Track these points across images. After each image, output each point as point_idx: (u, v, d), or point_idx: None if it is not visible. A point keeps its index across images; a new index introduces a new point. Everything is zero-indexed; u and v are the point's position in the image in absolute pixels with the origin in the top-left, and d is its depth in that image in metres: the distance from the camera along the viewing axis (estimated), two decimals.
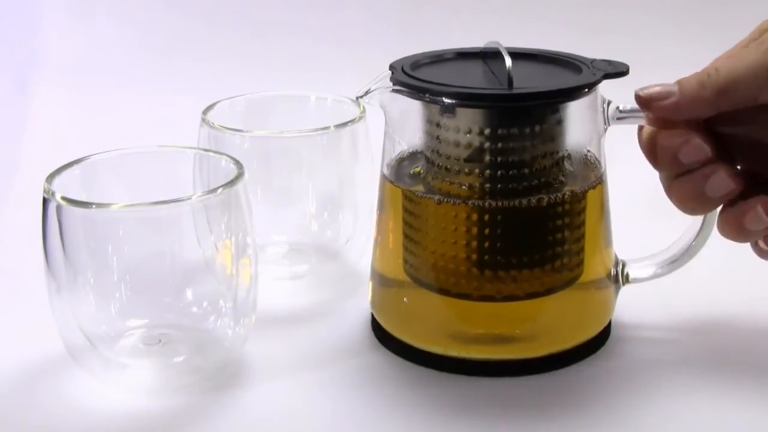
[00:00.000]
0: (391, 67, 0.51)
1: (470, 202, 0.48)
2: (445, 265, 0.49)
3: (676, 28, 0.92)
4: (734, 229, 0.48)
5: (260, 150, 0.57)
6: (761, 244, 0.49)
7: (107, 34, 0.93)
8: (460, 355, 0.50)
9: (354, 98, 0.51)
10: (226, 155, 0.51)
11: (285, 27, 0.95)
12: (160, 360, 0.50)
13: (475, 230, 0.48)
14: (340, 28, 0.95)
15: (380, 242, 0.54)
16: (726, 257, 0.56)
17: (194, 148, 0.54)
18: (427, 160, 0.50)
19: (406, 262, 0.51)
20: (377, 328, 0.54)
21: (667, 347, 0.53)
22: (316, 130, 0.56)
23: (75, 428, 0.47)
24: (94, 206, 0.46)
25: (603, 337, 0.53)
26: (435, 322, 0.51)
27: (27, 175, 0.75)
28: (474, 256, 0.49)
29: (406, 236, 0.51)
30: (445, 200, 0.48)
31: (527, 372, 0.50)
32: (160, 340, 0.51)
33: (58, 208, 0.47)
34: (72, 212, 0.47)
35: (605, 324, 0.53)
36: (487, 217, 0.48)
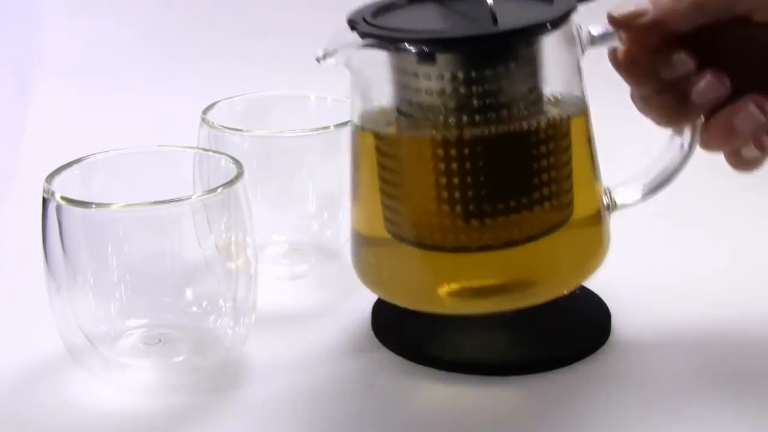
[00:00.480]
0: (351, 21, 0.48)
1: (452, 138, 0.46)
2: (430, 217, 0.47)
3: None
4: (722, 135, 0.47)
5: (260, 150, 0.57)
6: (745, 151, 0.48)
7: (107, 34, 0.93)
8: (456, 311, 0.49)
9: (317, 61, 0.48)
10: (226, 155, 0.51)
11: (285, 27, 0.95)
12: (160, 360, 0.50)
13: (456, 167, 0.46)
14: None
15: (358, 201, 0.51)
16: (726, 257, 0.56)
17: (194, 148, 0.54)
18: (400, 112, 0.48)
19: (387, 219, 0.49)
20: (377, 328, 0.54)
21: (667, 347, 0.53)
22: (316, 130, 0.56)
23: (75, 428, 0.47)
24: (93, 206, 0.46)
25: (603, 337, 0.53)
26: (427, 278, 0.49)
27: (27, 175, 0.75)
28: (459, 203, 0.46)
29: (384, 189, 0.49)
30: (427, 136, 0.46)
31: (527, 372, 0.50)
32: (160, 340, 0.51)
33: (58, 208, 0.47)
34: (72, 212, 0.47)
35: (603, 259, 0.51)
36: (467, 150, 0.46)
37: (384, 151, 0.48)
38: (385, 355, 0.52)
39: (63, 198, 0.46)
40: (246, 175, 0.49)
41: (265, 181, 0.58)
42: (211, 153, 0.53)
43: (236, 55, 0.93)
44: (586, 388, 0.49)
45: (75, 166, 0.50)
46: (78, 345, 0.49)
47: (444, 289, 0.50)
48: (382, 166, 0.49)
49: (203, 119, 0.58)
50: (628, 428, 0.47)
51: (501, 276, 0.49)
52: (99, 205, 0.46)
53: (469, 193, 0.46)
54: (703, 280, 0.58)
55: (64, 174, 0.49)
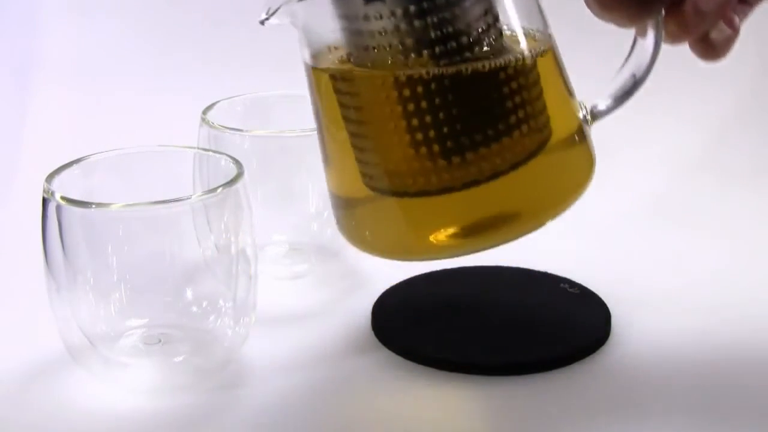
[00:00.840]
0: None
1: (417, 76, 0.44)
2: (410, 163, 0.46)
3: None
4: (689, 20, 0.46)
5: (260, 150, 0.57)
6: (714, 33, 0.47)
7: (107, 34, 0.93)
8: (453, 254, 0.48)
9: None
10: (226, 155, 0.51)
11: (285, 27, 0.95)
12: (160, 360, 0.50)
13: (427, 105, 0.44)
14: None
15: (331, 163, 0.50)
16: (726, 258, 0.56)
17: (194, 148, 0.54)
18: (357, 61, 0.46)
19: (365, 175, 0.48)
20: (377, 328, 0.54)
21: (667, 347, 0.53)
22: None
23: (75, 428, 0.47)
24: (93, 206, 0.46)
25: (603, 337, 0.53)
26: (417, 227, 0.48)
27: (27, 175, 0.75)
28: (436, 141, 0.45)
29: (355, 144, 0.47)
30: (390, 78, 0.44)
31: (527, 372, 0.50)
32: (160, 340, 0.51)
33: (58, 207, 0.47)
34: (71, 212, 0.47)
35: (592, 175, 0.49)
36: (434, 85, 0.44)
37: (348, 104, 0.47)
38: (385, 355, 0.52)
39: (63, 198, 0.46)
40: (246, 175, 0.49)
41: (265, 181, 0.58)
42: (211, 153, 0.53)
43: (236, 55, 0.93)
44: (586, 388, 0.49)
45: (75, 166, 0.50)
46: (78, 345, 0.49)
47: (436, 235, 0.48)
48: (349, 121, 0.47)
49: (203, 119, 0.58)
50: (628, 428, 0.47)
51: (491, 210, 0.47)
52: (99, 205, 0.46)
53: (445, 130, 0.45)
54: (704, 281, 0.58)
55: (64, 174, 0.49)
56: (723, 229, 0.65)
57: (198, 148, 0.54)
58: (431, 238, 0.48)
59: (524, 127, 0.46)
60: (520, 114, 0.46)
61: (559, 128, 0.48)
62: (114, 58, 0.92)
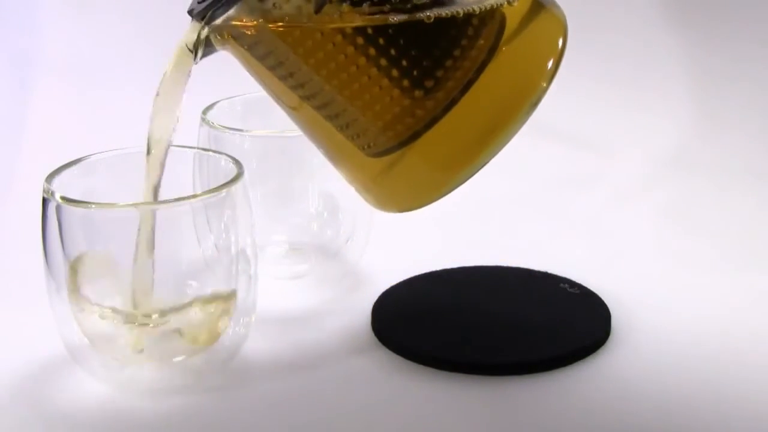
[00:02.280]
0: None
1: (368, 18, 0.44)
2: (392, 109, 0.45)
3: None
4: None
5: (260, 150, 0.57)
6: None
7: (107, 33, 0.93)
8: (466, 178, 0.47)
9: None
10: (226, 155, 0.51)
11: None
12: (160, 360, 0.50)
13: (386, 43, 0.44)
14: None
15: (330, 157, 0.50)
16: (726, 257, 0.56)
17: (194, 148, 0.54)
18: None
19: (362, 147, 0.47)
20: (377, 328, 0.54)
21: (667, 347, 0.53)
22: None
23: (75, 428, 0.47)
24: (93, 206, 0.46)
25: (603, 337, 0.53)
26: (426, 169, 0.47)
27: (27, 175, 0.75)
28: (406, 77, 0.44)
29: (332, 115, 0.47)
30: (349, 31, 0.44)
31: (527, 372, 0.50)
32: None
33: (58, 207, 0.47)
34: (72, 212, 0.47)
35: (566, 33, 0.48)
36: (391, 29, 0.44)
37: (311, 77, 0.46)
38: (385, 355, 0.52)
39: (63, 198, 0.46)
40: (246, 175, 0.49)
41: (265, 181, 0.58)
42: (211, 153, 0.53)
43: None
44: (586, 388, 0.49)
45: (75, 166, 0.50)
46: (78, 345, 0.49)
47: (445, 169, 0.47)
48: (313, 96, 0.47)
49: (203, 119, 0.58)
50: (628, 428, 0.47)
51: (487, 114, 0.47)
52: (99, 205, 0.46)
53: (407, 63, 0.45)
54: (704, 281, 0.58)
55: (64, 174, 0.49)
56: (723, 229, 0.65)
57: (198, 148, 0.54)
58: (443, 175, 0.47)
59: (475, 22, 0.45)
60: (474, 22, 0.45)
61: (513, 13, 0.46)
62: (114, 57, 0.92)
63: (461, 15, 0.45)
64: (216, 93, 0.62)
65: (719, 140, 0.75)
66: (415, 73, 0.45)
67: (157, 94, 0.48)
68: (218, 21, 0.47)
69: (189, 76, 0.48)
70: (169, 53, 0.48)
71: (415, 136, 0.46)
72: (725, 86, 0.78)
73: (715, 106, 0.78)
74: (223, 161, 0.51)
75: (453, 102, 0.45)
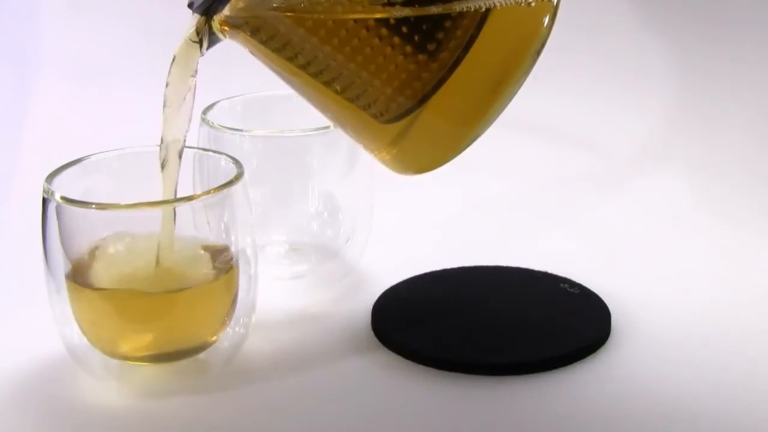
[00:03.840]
0: None
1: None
2: (399, 76, 0.46)
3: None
4: None
5: (260, 150, 0.57)
6: None
7: (107, 33, 0.93)
8: (482, 131, 0.47)
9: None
10: (226, 155, 0.51)
11: None
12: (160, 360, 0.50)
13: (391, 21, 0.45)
14: None
15: (344, 126, 0.50)
16: (727, 258, 0.56)
17: (194, 148, 0.54)
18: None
19: (374, 115, 0.48)
20: (377, 328, 0.54)
21: (667, 347, 0.53)
22: (316, 129, 0.56)
23: (75, 428, 0.47)
24: (94, 206, 0.46)
25: (603, 337, 0.53)
26: (446, 125, 0.48)
27: (27, 175, 0.75)
28: (409, 43, 0.45)
29: (343, 91, 0.47)
30: (354, 15, 0.45)
31: (527, 372, 0.50)
32: None
33: (58, 207, 0.47)
34: (72, 212, 0.47)
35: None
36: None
37: (321, 57, 0.47)
38: (385, 355, 0.52)
39: (63, 198, 0.46)
40: (246, 175, 0.49)
41: (265, 181, 0.58)
42: (211, 153, 0.53)
43: (236, 55, 0.93)
44: (586, 388, 0.49)
45: (75, 166, 0.50)
46: (78, 345, 0.49)
47: (459, 124, 0.48)
48: (321, 73, 0.47)
49: (203, 119, 0.58)
50: (628, 428, 0.47)
51: (492, 67, 0.47)
52: (99, 205, 0.46)
53: (407, 29, 0.45)
54: (704, 281, 0.58)
55: (64, 174, 0.49)
56: (723, 229, 0.65)
57: (198, 148, 0.54)
58: (461, 129, 0.48)
59: None
60: None
61: None
62: (114, 57, 0.92)
63: None
64: (216, 93, 0.62)
65: (720, 140, 0.75)
66: (416, 38, 0.45)
67: (166, 100, 0.48)
68: (219, 13, 0.47)
69: (196, 68, 0.48)
70: (174, 47, 0.48)
71: (425, 98, 0.46)
72: (725, 86, 0.78)
73: (714, 106, 0.78)
74: (223, 161, 0.51)
75: (458, 61, 0.46)
